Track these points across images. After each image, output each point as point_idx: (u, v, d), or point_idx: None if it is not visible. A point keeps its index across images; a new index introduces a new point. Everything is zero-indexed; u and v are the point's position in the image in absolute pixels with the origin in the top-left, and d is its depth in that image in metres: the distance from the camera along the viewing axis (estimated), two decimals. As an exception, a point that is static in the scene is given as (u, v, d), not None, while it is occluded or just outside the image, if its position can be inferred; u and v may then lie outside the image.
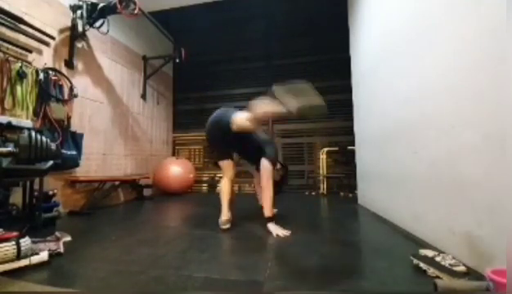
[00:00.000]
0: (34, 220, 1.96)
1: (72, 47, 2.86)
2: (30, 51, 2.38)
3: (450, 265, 1.23)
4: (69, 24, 2.85)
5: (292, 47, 5.09)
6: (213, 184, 5.23)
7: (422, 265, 1.24)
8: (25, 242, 1.33)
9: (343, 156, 4.61)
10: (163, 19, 4.19)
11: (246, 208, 2.96)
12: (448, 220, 1.44)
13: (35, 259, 1.33)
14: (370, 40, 2.87)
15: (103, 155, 3.34)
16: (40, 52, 2.51)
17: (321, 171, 4.43)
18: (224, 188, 2.33)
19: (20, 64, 2.25)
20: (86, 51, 3.11)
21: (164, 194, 4.18)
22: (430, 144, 1.63)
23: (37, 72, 2.41)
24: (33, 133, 1.67)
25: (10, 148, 1.61)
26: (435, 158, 1.57)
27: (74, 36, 2.87)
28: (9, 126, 2.00)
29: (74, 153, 2.72)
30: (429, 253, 1.36)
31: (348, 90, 3.70)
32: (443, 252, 1.38)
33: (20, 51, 2.29)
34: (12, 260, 1.27)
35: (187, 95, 5.38)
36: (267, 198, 2.09)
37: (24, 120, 2.25)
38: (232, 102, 5.24)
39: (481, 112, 1.19)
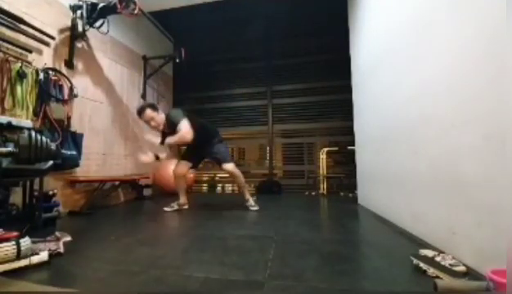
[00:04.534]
0: (34, 220, 1.96)
1: (72, 47, 2.86)
2: (30, 51, 2.37)
3: (450, 265, 1.23)
4: (69, 24, 2.85)
5: (292, 47, 5.09)
6: (214, 184, 5.24)
7: (422, 265, 1.24)
8: (25, 242, 1.33)
9: (343, 156, 4.61)
10: (163, 19, 4.19)
11: (245, 208, 2.96)
12: (448, 220, 1.44)
13: (35, 259, 1.32)
14: (370, 40, 2.87)
15: (103, 155, 3.34)
16: (40, 52, 2.51)
17: (321, 171, 4.42)
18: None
19: (20, 64, 2.25)
20: (86, 51, 3.11)
21: (164, 194, 4.17)
22: (430, 144, 1.63)
23: (37, 72, 2.40)
24: (33, 133, 1.66)
25: (10, 148, 1.60)
26: (435, 158, 1.57)
27: (74, 36, 2.87)
28: (9, 126, 2.00)
29: (74, 153, 2.72)
30: (429, 253, 1.37)
31: (348, 90, 3.70)
32: (443, 252, 1.38)
33: (20, 51, 2.29)
34: (12, 260, 1.27)
35: (187, 95, 5.39)
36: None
37: (24, 120, 2.24)
38: (232, 102, 5.26)
39: (481, 112, 1.19)
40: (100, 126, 3.29)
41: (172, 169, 3.06)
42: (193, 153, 3.03)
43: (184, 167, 3.01)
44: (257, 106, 5.18)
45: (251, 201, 3.00)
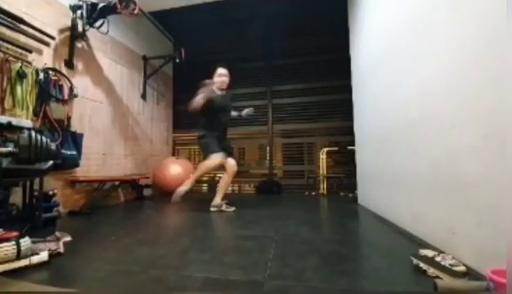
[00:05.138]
0: (34, 220, 1.96)
1: (72, 47, 2.86)
2: (30, 51, 2.37)
3: (450, 265, 1.23)
4: (69, 24, 2.85)
5: (292, 47, 5.09)
6: (214, 184, 5.23)
7: (422, 265, 1.24)
8: (25, 242, 1.33)
9: (343, 156, 4.61)
10: (163, 19, 4.19)
11: (245, 208, 2.96)
12: (448, 220, 1.44)
13: (35, 259, 1.32)
14: (370, 40, 2.87)
15: (103, 155, 3.34)
16: (40, 52, 2.51)
17: (321, 171, 4.42)
18: None
19: (20, 64, 2.25)
20: (86, 51, 3.11)
21: (164, 194, 4.17)
22: (430, 144, 1.63)
23: (37, 72, 2.40)
24: (33, 133, 1.66)
25: (10, 148, 1.60)
26: (435, 158, 1.57)
27: (74, 36, 2.87)
28: (9, 126, 2.00)
29: (74, 153, 2.72)
30: (429, 253, 1.37)
31: (348, 90, 3.70)
32: (443, 252, 1.38)
33: (20, 51, 2.29)
34: (12, 260, 1.27)
35: (187, 95, 5.37)
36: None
37: (24, 120, 2.25)
38: (232, 102, 5.24)
39: (481, 112, 1.19)
40: (100, 126, 3.29)
41: (215, 162, 2.93)
42: (220, 143, 3.10)
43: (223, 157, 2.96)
44: (257, 106, 5.17)
45: (224, 206, 2.88)
